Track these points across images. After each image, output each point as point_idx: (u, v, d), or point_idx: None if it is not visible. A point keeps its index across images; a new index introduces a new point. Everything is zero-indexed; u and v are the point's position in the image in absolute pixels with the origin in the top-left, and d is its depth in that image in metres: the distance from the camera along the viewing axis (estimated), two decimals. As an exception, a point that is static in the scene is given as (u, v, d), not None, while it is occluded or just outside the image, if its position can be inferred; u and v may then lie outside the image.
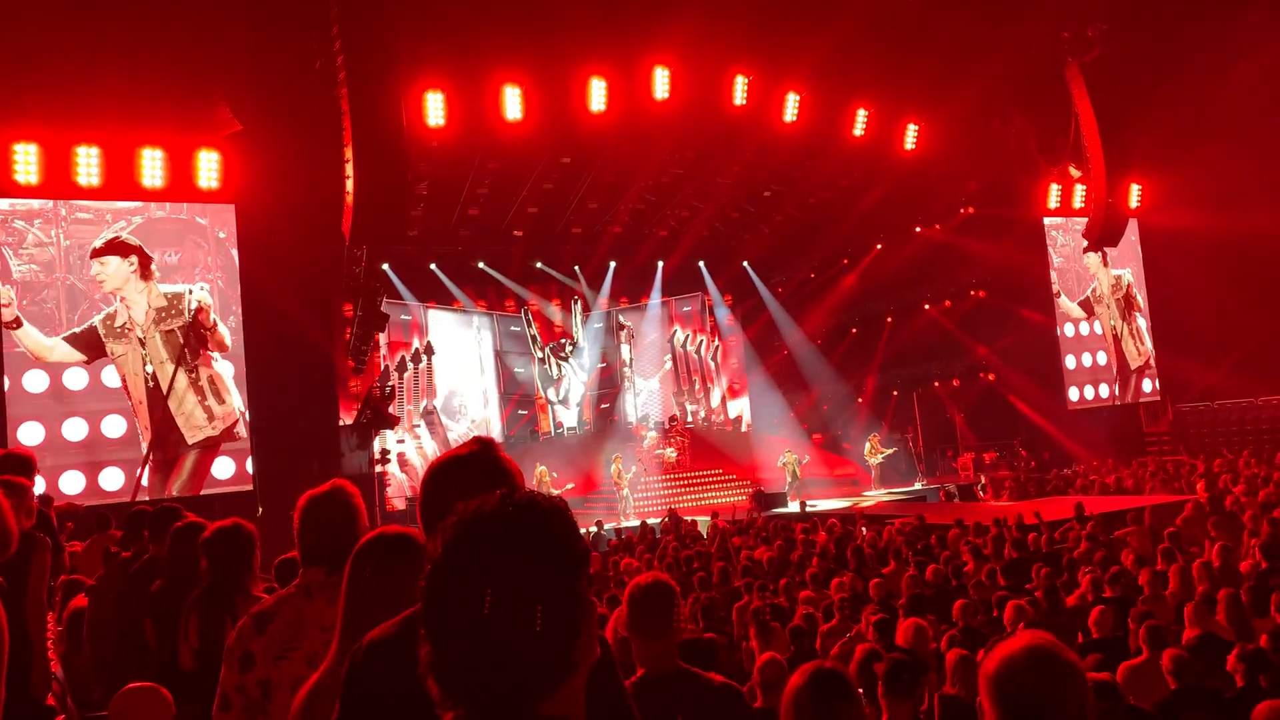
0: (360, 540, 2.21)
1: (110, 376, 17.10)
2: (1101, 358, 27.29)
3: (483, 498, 1.31)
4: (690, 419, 28.72)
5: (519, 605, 1.20)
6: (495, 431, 25.72)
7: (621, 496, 22.83)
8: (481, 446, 2.05)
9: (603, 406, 28.48)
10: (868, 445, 25.33)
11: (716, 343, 29.92)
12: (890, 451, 25.68)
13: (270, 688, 2.45)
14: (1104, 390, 26.90)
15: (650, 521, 18.20)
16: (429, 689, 1.23)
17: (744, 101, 21.27)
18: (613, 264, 27.78)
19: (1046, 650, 1.83)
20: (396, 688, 1.75)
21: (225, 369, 18.20)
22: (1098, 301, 27.43)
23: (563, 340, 27.89)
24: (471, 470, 1.98)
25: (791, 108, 21.56)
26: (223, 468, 17.92)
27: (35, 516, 4.89)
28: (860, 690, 3.13)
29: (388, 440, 22.13)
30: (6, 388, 16.12)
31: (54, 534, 6.43)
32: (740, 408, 29.79)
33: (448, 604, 1.22)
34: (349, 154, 14.88)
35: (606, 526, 18.82)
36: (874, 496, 22.97)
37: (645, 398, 28.95)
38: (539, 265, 26.81)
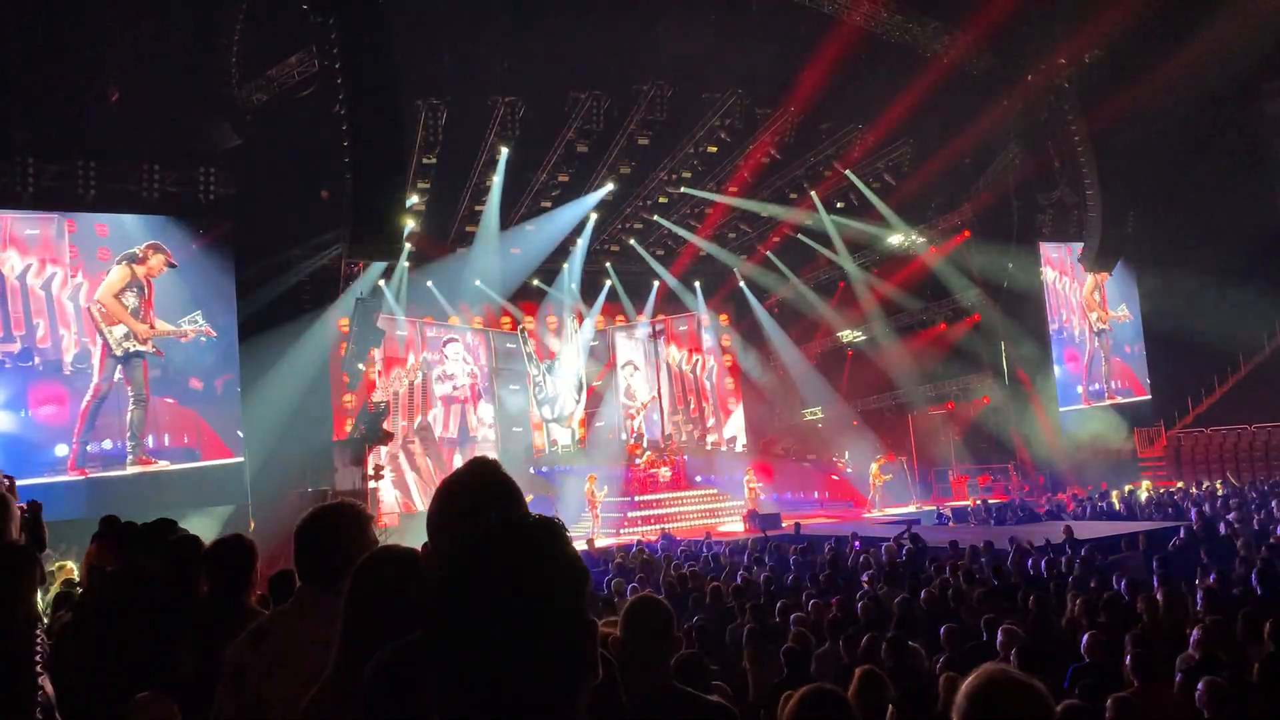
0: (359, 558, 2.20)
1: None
2: (1094, 385, 27.42)
3: (481, 520, 1.31)
4: (684, 438, 28.67)
5: (521, 627, 1.20)
6: (489, 446, 25.65)
7: (594, 517, 22.22)
8: (482, 466, 2.05)
9: (597, 425, 28.44)
10: (875, 466, 25.16)
11: (711, 362, 29.92)
12: (888, 477, 25.56)
13: (263, 703, 2.44)
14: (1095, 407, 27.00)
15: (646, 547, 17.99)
16: (434, 712, 1.23)
17: (741, 122, 21.41)
18: (608, 283, 27.82)
19: (1011, 680, 1.84)
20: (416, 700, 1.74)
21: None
22: (1090, 327, 27.57)
23: (557, 358, 27.87)
24: (474, 490, 1.98)
25: (789, 128, 21.72)
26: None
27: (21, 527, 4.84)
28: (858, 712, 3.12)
29: (381, 456, 22.06)
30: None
31: (41, 541, 6.36)
32: (735, 427, 29.75)
33: (450, 628, 1.22)
34: (347, 170, 14.92)
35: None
36: (870, 518, 22.89)
37: (640, 417, 28.91)
38: (535, 283, 26.83)
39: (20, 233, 17.20)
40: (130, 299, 17.84)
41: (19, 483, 6.52)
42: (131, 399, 17.73)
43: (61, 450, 17.12)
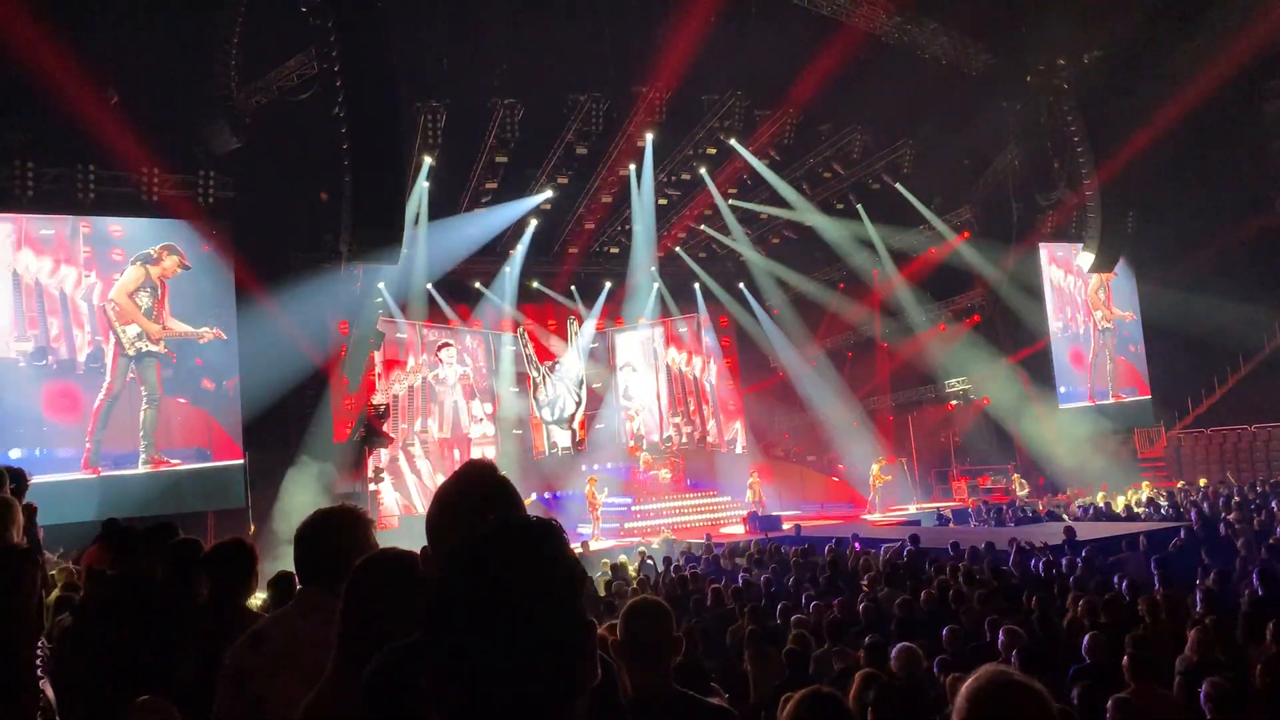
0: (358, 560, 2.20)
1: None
2: (1099, 385, 27.45)
3: (478, 523, 1.31)
4: (685, 440, 28.63)
5: (519, 629, 1.20)
6: (489, 447, 25.62)
7: (595, 519, 22.04)
8: (479, 469, 2.05)
9: (598, 426, 28.38)
10: (875, 467, 25.03)
11: (711, 364, 29.86)
12: (888, 478, 25.49)
13: (264, 706, 2.44)
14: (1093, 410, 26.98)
15: (647, 548, 17.93)
16: (432, 714, 1.23)
17: (741, 124, 21.38)
18: (607, 284, 27.75)
19: (1011, 682, 1.84)
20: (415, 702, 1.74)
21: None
22: (1094, 326, 27.59)
23: (557, 360, 27.81)
24: (470, 493, 1.98)
25: (788, 130, 21.71)
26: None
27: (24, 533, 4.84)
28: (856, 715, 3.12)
29: (381, 459, 22.05)
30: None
31: (36, 544, 6.36)
32: (734, 429, 29.71)
33: (449, 630, 1.22)
34: (347, 172, 14.92)
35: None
36: (870, 519, 22.86)
37: (640, 418, 28.89)
38: (535, 285, 26.81)
39: (35, 233, 17.25)
40: (144, 299, 17.91)
41: (35, 479, 6.51)
42: (145, 399, 17.77)
43: (74, 449, 17.14)
